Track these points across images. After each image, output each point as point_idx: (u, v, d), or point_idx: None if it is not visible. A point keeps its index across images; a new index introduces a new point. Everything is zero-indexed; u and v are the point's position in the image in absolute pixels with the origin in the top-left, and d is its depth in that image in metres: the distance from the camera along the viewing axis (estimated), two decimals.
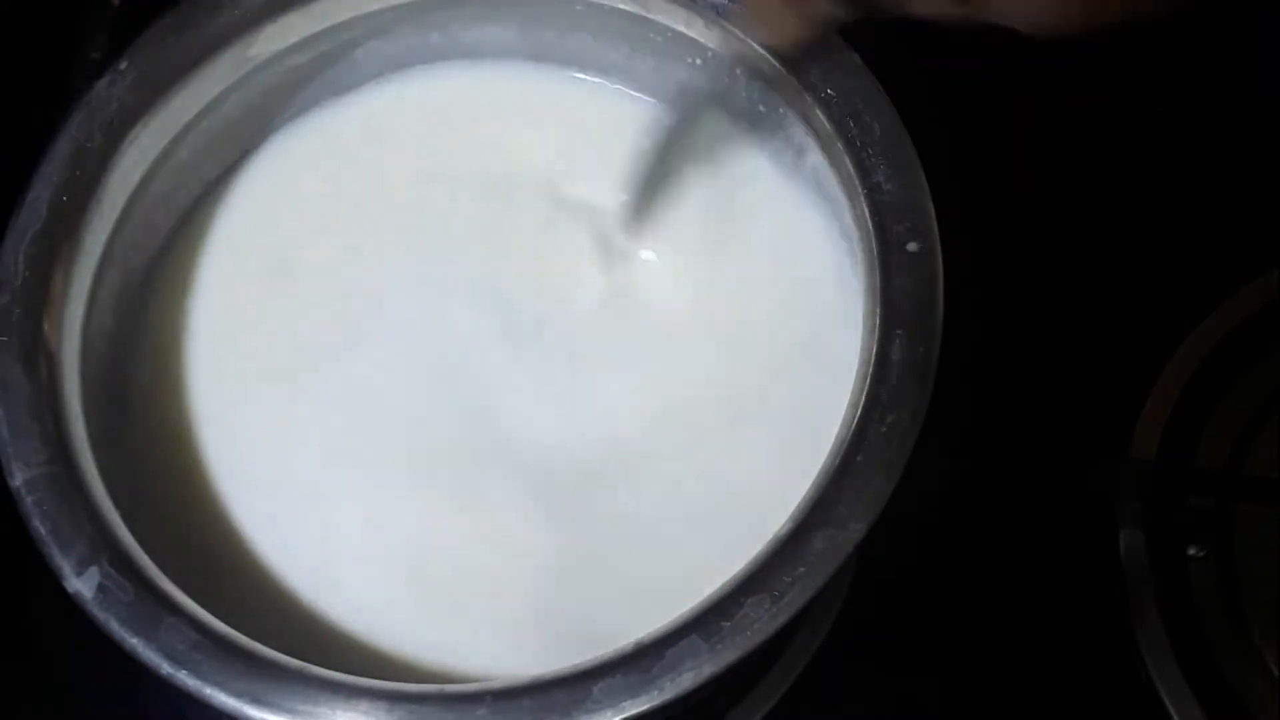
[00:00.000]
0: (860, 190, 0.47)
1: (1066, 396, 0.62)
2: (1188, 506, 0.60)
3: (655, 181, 0.52)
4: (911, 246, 0.46)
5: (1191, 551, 0.59)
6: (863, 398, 0.44)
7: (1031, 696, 0.58)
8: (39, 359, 0.44)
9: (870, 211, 0.46)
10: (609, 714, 0.39)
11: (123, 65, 0.48)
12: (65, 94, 0.54)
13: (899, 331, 0.44)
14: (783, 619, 0.41)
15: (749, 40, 0.49)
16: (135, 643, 0.40)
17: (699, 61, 0.52)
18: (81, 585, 0.41)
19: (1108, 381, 0.62)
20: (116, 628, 0.41)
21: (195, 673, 0.40)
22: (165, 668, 0.40)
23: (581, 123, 0.56)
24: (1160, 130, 0.67)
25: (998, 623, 0.59)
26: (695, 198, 0.54)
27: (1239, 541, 0.59)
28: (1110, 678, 0.58)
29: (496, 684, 0.40)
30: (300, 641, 0.44)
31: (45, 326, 0.45)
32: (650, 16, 0.52)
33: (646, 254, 0.54)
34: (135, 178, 0.49)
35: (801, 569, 0.41)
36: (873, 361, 0.44)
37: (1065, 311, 0.63)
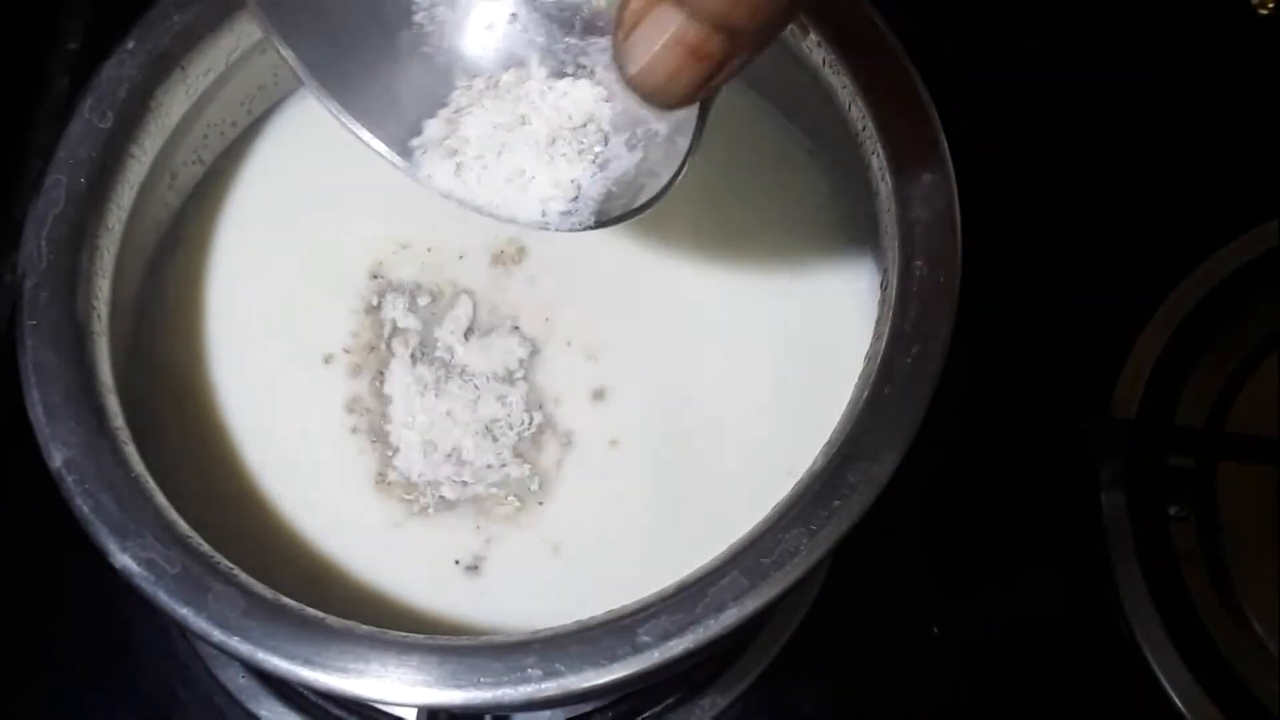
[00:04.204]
0: (871, 125, 0.47)
1: (1045, 357, 0.62)
2: (1168, 466, 0.60)
3: None
4: (925, 178, 0.46)
5: (1173, 511, 0.59)
6: (887, 329, 0.44)
7: (1016, 660, 0.58)
8: (69, 339, 0.44)
9: (882, 145, 0.47)
10: (656, 654, 0.40)
11: (130, 45, 0.48)
12: (43, 87, 0.54)
13: (918, 263, 0.45)
14: (821, 552, 0.41)
15: None
16: (185, 613, 0.41)
17: None
18: (128, 560, 0.41)
19: (1087, 342, 0.63)
20: (165, 599, 0.41)
21: (247, 639, 0.40)
22: (217, 635, 0.41)
23: None
24: (1142, 92, 0.68)
25: (977, 588, 0.59)
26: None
27: (1220, 500, 0.59)
28: (1094, 638, 0.58)
29: (544, 633, 0.41)
30: (330, 599, 0.45)
31: (73, 306, 0.45)
32: None
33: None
34: (152, 153, 0.49)
35: (836, 502, 0.42)
36: (894, 294, 0.44)
37: (1044, 272, 0.63)
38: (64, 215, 0.46)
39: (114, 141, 0.48)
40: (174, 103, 0.50)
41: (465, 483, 0.49)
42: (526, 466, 0.49)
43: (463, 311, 0.52)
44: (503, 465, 0.49)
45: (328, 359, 0.51)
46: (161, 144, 0.50)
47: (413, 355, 0.51)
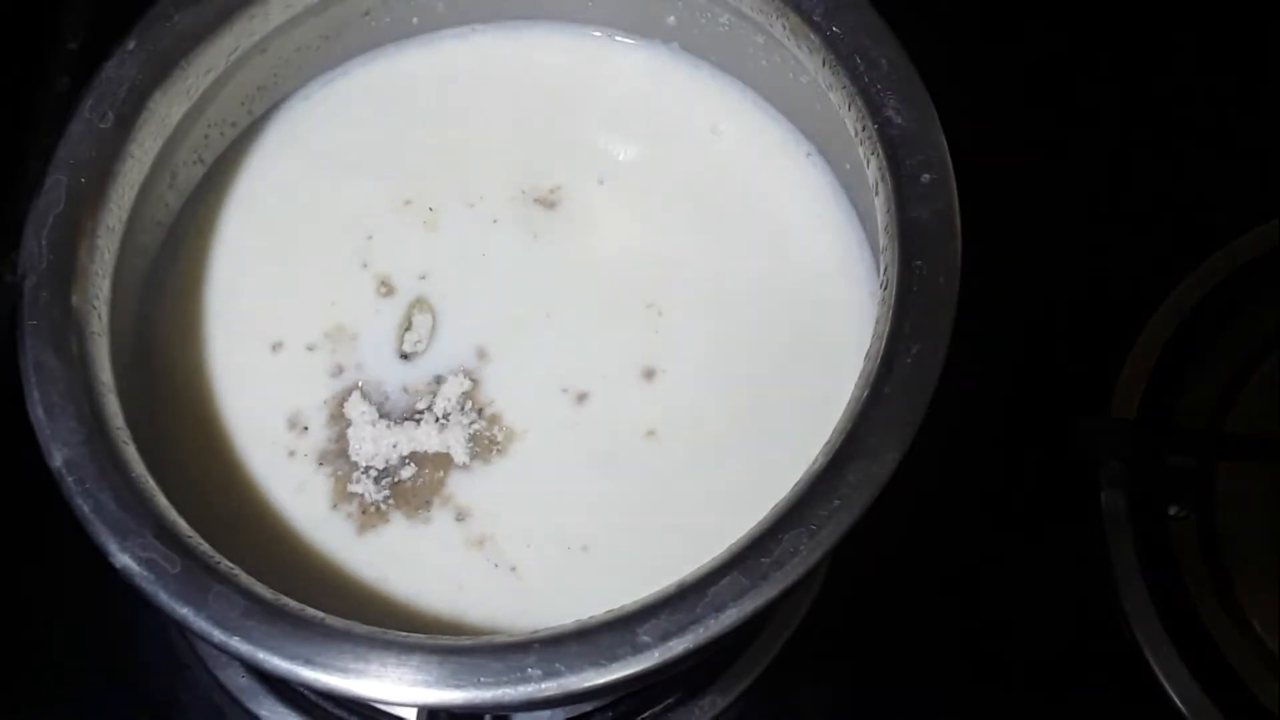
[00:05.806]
0: (871, 125, 0.47)
1: (1045, 357, 0.62)
2: (1168, 466, 0.60)
3: None
4: (925, 178, 0.46)
5: (1173, 511, 0.59)
6: (886, 329, 0.44)
7: (1015, 660, 0.58)
8: (69, 339, 0.44)
9: (882, 145, 0.46)
10: (656, 654, 0.40)
11: (130, 45, 0.48)
12: (43, 87, 0.54)
13: (918, 263, 0.45)
14: (820, 552, 0.41)
15: None
16: (185, 613, 0.41)
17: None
18: (129, 560, 0.41)
19: (1087, 341, 0.63)
20: (166, 599, 0.41)
21: (247, 639, 0.40)
22: (217, 635, 0.41)
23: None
24: (1142, 92, 0.68)
25: (978, 588, 0.59)
26: (694, 149, 0.55)
27: (1220, 500, 0.59)
28: (1094, 639, 0.58)
29: (544, 633, 0.41)
30: (329, 599, 0.44)
31: (73, 306, 0.45)
32: None
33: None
34: (152, 153, 0.49)
35: (837, 502, 0.41)
36: (894, 294, 0.44)
37: (1042, 273, 0.63)
38: (64, 215, 0.46)
39: (114, 141, 0.48)
40: (174, 103, 0.49)
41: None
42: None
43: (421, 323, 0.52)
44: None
45: (334, 349, 0.52)
46: (161, 144, 0.50)
47: (362, 391, 0.51)
